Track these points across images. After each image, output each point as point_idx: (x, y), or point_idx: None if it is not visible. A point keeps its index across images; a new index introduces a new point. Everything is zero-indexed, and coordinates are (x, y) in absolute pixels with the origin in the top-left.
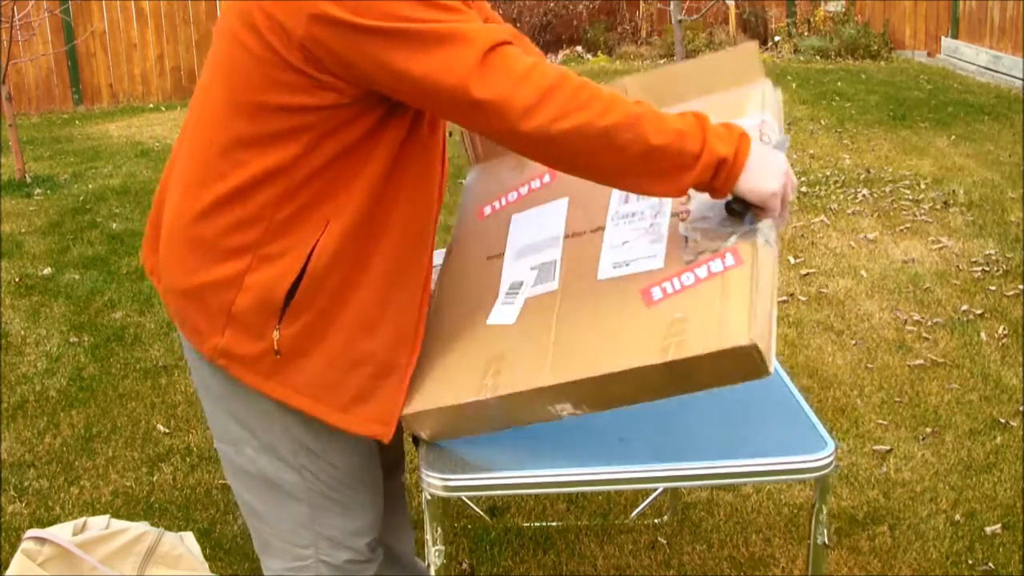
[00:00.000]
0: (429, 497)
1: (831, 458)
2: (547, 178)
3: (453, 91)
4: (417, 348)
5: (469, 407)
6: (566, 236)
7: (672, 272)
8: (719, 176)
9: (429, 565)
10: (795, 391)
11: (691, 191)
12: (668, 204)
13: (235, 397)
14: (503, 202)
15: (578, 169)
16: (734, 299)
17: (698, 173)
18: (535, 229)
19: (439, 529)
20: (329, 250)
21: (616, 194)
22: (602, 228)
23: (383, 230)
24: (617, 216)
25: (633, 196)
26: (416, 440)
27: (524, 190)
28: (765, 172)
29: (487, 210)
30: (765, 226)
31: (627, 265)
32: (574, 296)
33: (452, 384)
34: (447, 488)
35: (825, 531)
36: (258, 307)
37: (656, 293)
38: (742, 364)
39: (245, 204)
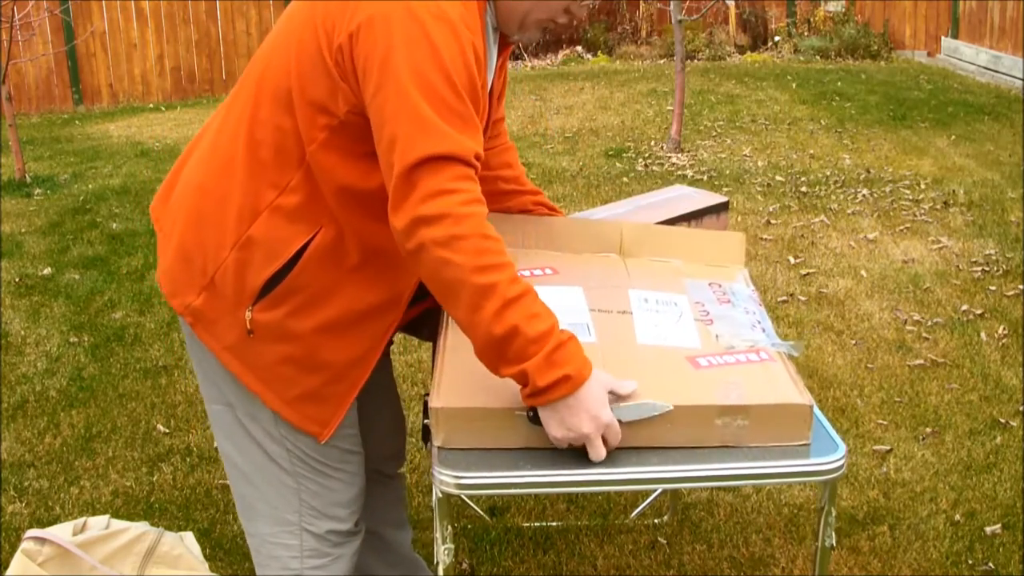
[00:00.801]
0: (440, 495)
1: (842, 461)
2: (549, 270)
3: (390, 162)
4: (371, 369)
5: (509, 415)
6: (591, 310)
7: (712, 352)
8: (525, 391)
9: (438, 564)
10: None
11: (708, 296)
12: (689, 309)
13: (219, 372)
14: None
15: (431, 289)
16: (779, 378)
17: (511, 374)
18: (554, 299)
19: (448, 527)
20: (317, 255)
21: (634, 293)
22: (628, 312)
23: (369, 251)
24: (641, 307)
25: (653, 296)
26: (426, 439)
27: (527, 274)
28: (563, 419)
29: None
30: (788, 345)
31: (664, 339)
32: (616, 350)
33: (495, 390)
34: (460, 486)
35: (832, 533)
36: (237, 284)
37: (703, 362)
38: (789, 424)
39: (257, 177)
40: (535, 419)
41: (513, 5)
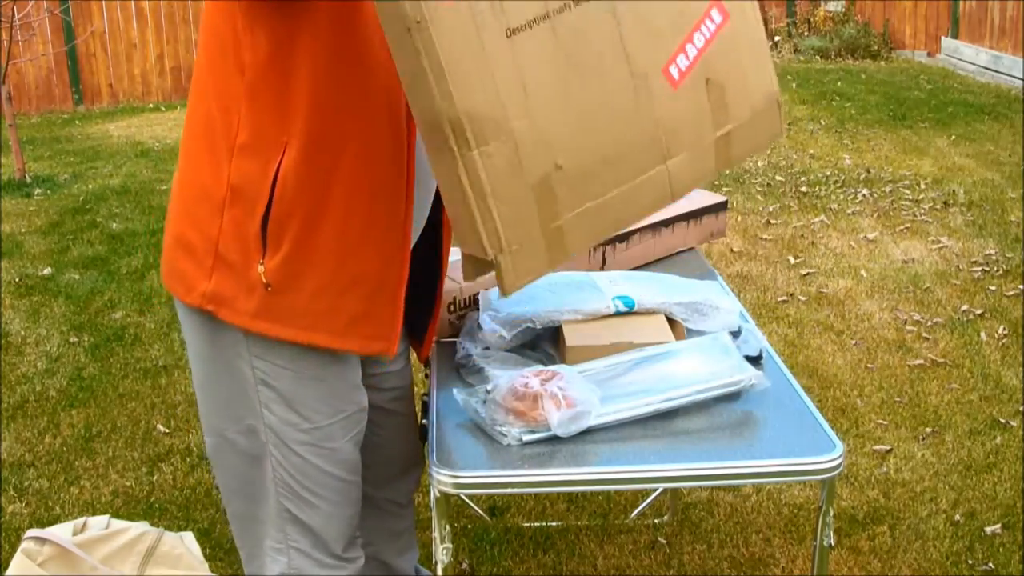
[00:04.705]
0: (438, 495)
1: (840, 460)
2: None
3: None
4: (406, 265)
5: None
6: None
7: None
8: None
9: (436, 563)
10: (801, 392)
11: None
12: None
13: (220, 373)
14: None
15: None
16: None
17: None
18: None
19: (447, 527)
20: (291, 174)
21: None
22: None
23: (339, 146)
24: None
25: None
26: (424, 436)
27: None
28: None
29: None
30: None
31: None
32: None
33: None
34: (457, 486)
35: (831, 532)
36: (240, 243)
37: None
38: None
39: (212, 136)
40: None
41: None
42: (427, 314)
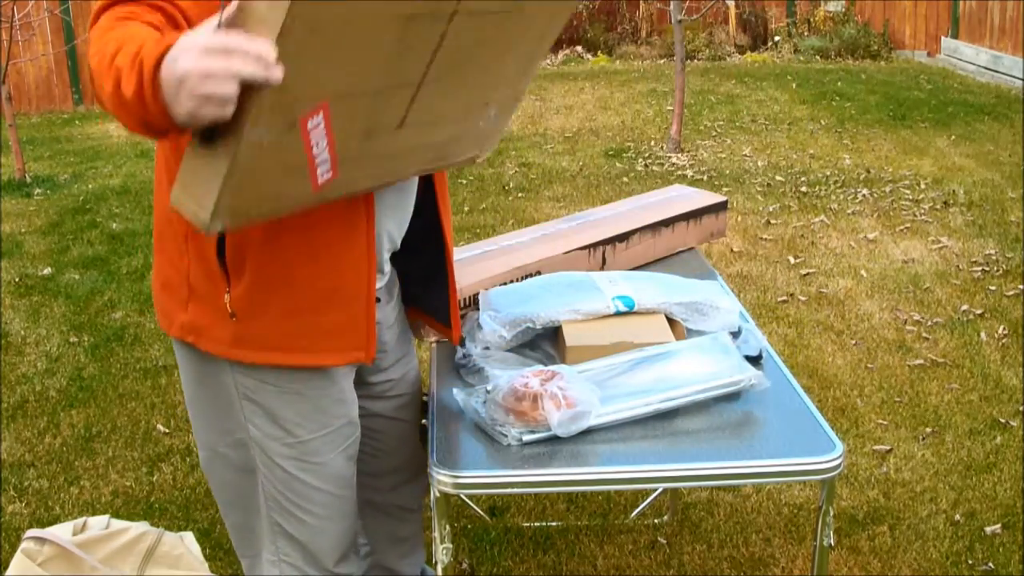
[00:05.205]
0: (438, 495)
1: (840, 460)
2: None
3: None
4: (373, 274)
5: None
6: None
7: None
8: (144, 104)
9: (436, 563)
10: (801, 392)
11: None
12: None
13: (207, 390)
14: None
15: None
16: None
17: (141, 104)
18: None
19: (447, 527)
20: None
21: None
22: None
23: None
24: None
25: None
26: (424, 436)
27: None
28: (174, 93)
29: None
30: None
31: None
32: None
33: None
34: (457, 486)
35: (831, 532)
36: (206, 274)
37: None
38: None
39: (170, 165)
40: (206, 136)
41: None
42: (443, 296)
